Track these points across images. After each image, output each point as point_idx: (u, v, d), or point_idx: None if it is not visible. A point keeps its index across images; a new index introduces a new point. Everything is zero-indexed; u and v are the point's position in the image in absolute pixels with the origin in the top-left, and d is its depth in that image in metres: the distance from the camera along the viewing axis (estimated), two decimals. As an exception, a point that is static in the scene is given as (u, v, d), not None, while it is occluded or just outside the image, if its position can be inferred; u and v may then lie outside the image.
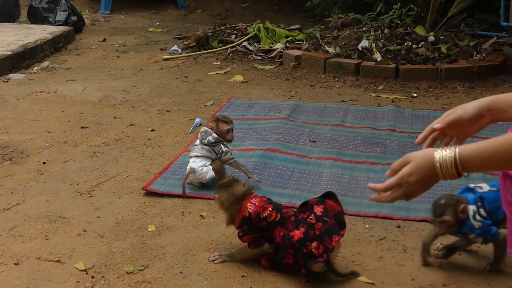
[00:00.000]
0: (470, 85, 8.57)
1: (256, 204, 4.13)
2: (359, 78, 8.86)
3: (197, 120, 6.89)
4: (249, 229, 4.10)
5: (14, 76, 9.13)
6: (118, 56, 10.45)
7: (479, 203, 3.96)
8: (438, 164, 2.61)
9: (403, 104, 7.72)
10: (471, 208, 3.95)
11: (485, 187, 4.03)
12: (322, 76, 8.99)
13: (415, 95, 8.18)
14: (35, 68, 9.63)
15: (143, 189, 5.25)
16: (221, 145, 5.28)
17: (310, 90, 8.33)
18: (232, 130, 5.28)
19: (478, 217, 3.94)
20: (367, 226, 4.75)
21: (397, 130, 6.71)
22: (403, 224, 4.81)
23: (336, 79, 8.82)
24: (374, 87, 8.47)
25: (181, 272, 4.14)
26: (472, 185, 4.10)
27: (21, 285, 4.00)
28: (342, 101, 7.80)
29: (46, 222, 4.77)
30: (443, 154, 2.59)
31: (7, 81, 8.79)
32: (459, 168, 2.56)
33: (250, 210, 4.09)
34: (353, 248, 4.46)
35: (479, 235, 3.98)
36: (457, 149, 2.57)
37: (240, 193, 4.20)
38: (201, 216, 4.85)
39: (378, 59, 9.07)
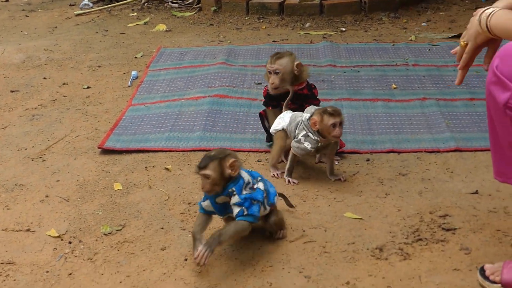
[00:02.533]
0: (394, 15, 8.60)
1: None
2: (284, 17, 8.76)
3: (133, 73, 6.66)
4: None
5: None
6: (26, 16, 10.00)
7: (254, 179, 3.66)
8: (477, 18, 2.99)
9: (334, 39, 7.68)
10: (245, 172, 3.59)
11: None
12: (246, 18, 8.83)
13: (343, 29, 8.14)
14: None
15: (98, 147, 5.03)
16: (307, 140, 4.37)
17: (238, 34, 8.17)
18: (341, 124, 4.28)
19: (250, 184, 3.59)
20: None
21: (338, 65, 6.67)
22: (372, 157, 4.77)
23: (261, 20, 8.69)
24: (301, 25, 8.39)
25: (162, 228, 3.99)
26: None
27: (-5, 259, 3.75)
28: (274, 41, 7.69)
29: (3, 192, 4.51)
30: (484, 11, 2.96)
31: None
32: (488, 27, 2.94)
33: None
34: (329, 185, 4.40)
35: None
36: (493, 10, 2.93)
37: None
38: (167, 169, 4.69)
39: (301, -3, 8.97)
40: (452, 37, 7.54)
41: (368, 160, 4.72)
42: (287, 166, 4.46)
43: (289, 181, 4.40)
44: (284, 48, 7.12)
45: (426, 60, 6.67)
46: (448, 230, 3.80)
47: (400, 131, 5.08)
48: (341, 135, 4.30)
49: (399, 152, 4.81)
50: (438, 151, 4.78)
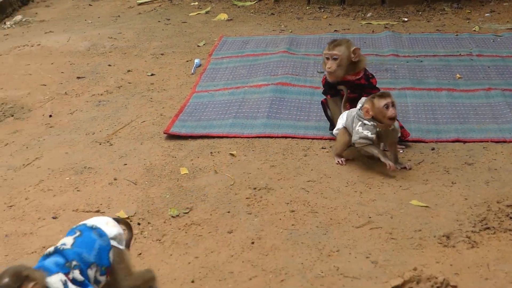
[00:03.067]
0: (457, 5, 8.51)
1: None
2: (345, 7, 8.74)
3: (196, 60, 6.72)
4: None
5: (-12, 32, 8.78)
6: (90, 5, 10.14)
7: (68, 264, 2.82)
8: None
9: (397, 29, 7.63)
10: (58, 279, 2.74)
11: (69, 241, 2.92)
12: (307, 8, 8.84)
13: (405, 19, 8.09)
14: (7, 23, 9.28)
15: (164, 133, 5.10)
16: (365, 128, 4.37)
17: (299, 23, 8.18)
18: (393, 105, 4.27)
19: (71, 286, 2.77)
20: (401, 151, 4.67)
21: (401, 55, 6.64)
22: (437, 146, 4.75)
23: (322, 10, 8.68)
24: (363, 15, 8.36)
25: (229, 212, 4.04)
26: (51, 249, 2.89)
27: (66, 239, 3.83)
28: (335, 31, 7.68)
29: (73, 174, 4.61)
30: None
31: (-18, 38, 8.45)
32: None
33: None
34: (395, 173, 4.38)
35: None
36: None
37: None
38: (232, 154, 4.74)
39: (363, -13, 8.93)
40: (517, 27, 7.44)
41: (433, 149, 4.70)
42: (379, 157, 4.42)
43: (389, 164, 4.37)
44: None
45: (491, 51, 6.60)
46: (516, 219, 3.77)
47: (466, 121, 5.05)
48: (395, 115, 4.27)
49: (464, 142, 4.78)
50: (505, 141, 4.75)
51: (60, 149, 4.99)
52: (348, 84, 4.71)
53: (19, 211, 4.16)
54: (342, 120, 4.55)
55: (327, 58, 4.67)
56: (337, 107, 4.78)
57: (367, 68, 4.81)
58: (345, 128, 4.47)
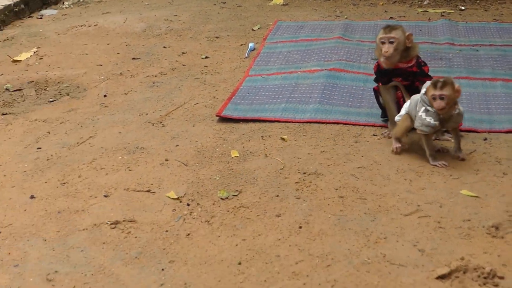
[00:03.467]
0: (517, -5, 8.36)
1: None
2: (402, -6, 8.64)
3: (251, 44, 6.75)
4: None
5: (46, 12, 8.95)
6: (147, -13, 10.19)
7: None
8: None
9: (453, 17, 7.55)
10: None
11: None
12: (364, -6, 8.77)
13: (462, 8, 8.00)
14: (66, 3, 9.44)
15: (216, 115, 5.14)
16: (428, 115, 4.32)
17: (355, 9, 8.14)
18: (442, 98, 4.19)
19: None
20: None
21: (456, 43, 6.57)
22: (489, 136, 4.70)
23: (379, -4, 8.61)
24: (419, 2, 8.29)
25: (277, 195, 4.06)
26: None
27: (117, 216, 3.92)
28: (391, 17, 7.63)
29: (125, 154, 4.67)
30: None
31: (41, 17, 8.62)
32: None
33: None
34: (445, 162, 4.35)
35: None
36: None
37: None
38: (283, 139, 4.76)
39: (420, -26, 8.85)
40: None
41: (485, 139, 4.66)
42: (427, 153, 4.40)
43: (437, 165, 4.35)
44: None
45: None
46: None
47: (520, 112, 4.98)
48: (442, 109, 4.20)
49: (518, 133, 4.72)
50: (559, 133, 4.67)
51: (114, 129, 5.07)
52: (400, 72, 4.66)
53: (72, 188, 4.24)
54: (405, 107, 4.50)
55: (383, 42, 4.60)
56: (389, 95, 4.75)
57: (419, 56, 4.73)
58: (408, 114, 4.43)
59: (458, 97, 4.20)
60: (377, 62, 4.76)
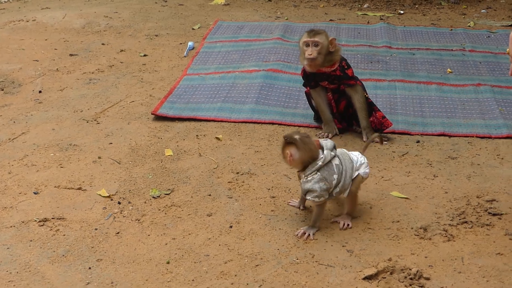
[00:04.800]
0: (454, 0, 8.49)
1: None
2: (343, -4, 8.71)
3: (190, 43, 6.72)
4: None
5: (-16, 6, 8.76)
6: (88, -17, 10.07)
7: None
8: None
9: (392, 21, 7.64)
10: None
11: None
12: (305, -4, 8.82)
13: (401, 12, 8.10)
14: (4, -3, 9.26)
15: (152, 114, 5.11)
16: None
17: (295, 11, 8.18)
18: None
19: None
20: (385, 142, 4.68)
21: (394, 47, 6.65)
22: (422, 139, 4.76)
23: (320, -1, 8.66)
24: (359, 6, 8.36)
25: (210, 195, 4.05)
26: None
27: (46, 213, 3.87)
28: (331, 20, 7.68)
29: (57, 151, 4.61)
30: None
31: (-22, 11, 8.44)
32: None
33: None
34: (378, 164, 4.41)
35: None
36: None
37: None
38: (217, 138, 4.75)
39: (361, -23, 8.94)
40: (511, 25, 7.44)
41: (418, 141, 4.72)
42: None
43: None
44: (341, 28, 7.12)
45: (484, 47, 6.61)
46: (494, 215, 3.79)
47: (453, 115, 5.07)
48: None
49: (450, 136, 4.80)
50: (490, 137, 4.76)
51: (47, 125, 5.00)
52: (325, 76, 4.72)
53: (1, 185, 4.17)
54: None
55: (307, 45, 4.61)
56: (319, 98, 4.82)
57: (344, 58, 4.80)
58: None
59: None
60: (303, 67, 4.78)
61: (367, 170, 3.75)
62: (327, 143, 3.64)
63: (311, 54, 4.58)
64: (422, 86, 5.59)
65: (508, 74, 3.38)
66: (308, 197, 3.61)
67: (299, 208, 3.90)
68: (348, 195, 3.70)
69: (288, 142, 3.57)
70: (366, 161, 3.76)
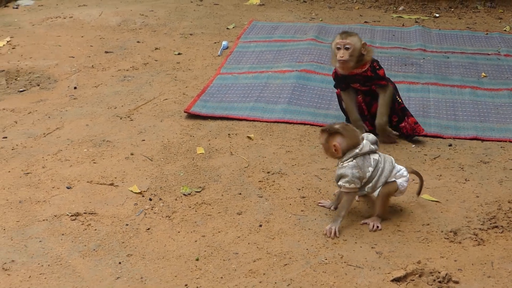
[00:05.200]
0: (490, 4, 8.45)
1: None
2: (378, -1, 8.69)
3: (224, 42, 6.75)
4: None
5: (23, 2, 8.89)
6: (125, -19, 10.16)
7: None
8: None
9: (427, 24, 7.60)
10: None
11: None
12: (340, -3, 8.81)
13: (437, 15, 8.05)
14: (42, -6, 9.37)
15: (185, 112, 5.14)
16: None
17: (330, 12, 8.17)
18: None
19: None
20: (413, 146, 4.68)
21: (428, 50, 6.62)
22: (454, 142, 4.74)
23: (355, 1, 8.68)
24: (395, 8, 8.33)
25: (240, 193, 4.07)
26: None
27: (78, 208, 3.91)
28: (365, 22, 7.67)
29: (91, 146, 4.66)
30: None
31: (17, 8, 8.56)
32: None
33: None
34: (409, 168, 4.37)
35: None
36: None
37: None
38: (249, 137, 4.77)
39: (397, -20, 8.91)
40: (549, 30, 7.38)
41: (450, 145, 4.70)
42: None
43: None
44: (375, 30, 7.11)
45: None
46: (525, 220, 3.76)
47: (486, 119, 5.04)
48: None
49: (482, 140, 4.78)
50: (523, 142, 4.72)
51: (81, 121, 5.06)
52: (357, 78, 4.70)
53: (35, 179, 4.22)
54: None
55: (338, 48, 4.59)
56: (350, 100, 4.80)
57: (375, 60, 4.78)
58: None
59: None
60: (335, 69, 4.77)
61: (405, 184, 3.75)
62: (368, 135, 3.72)
63: (342, 56, 4.56)
64: (455, 89, 5.57)
65: None
66: (340, 183, 3.65)
67: (329, 208, 3.90)
68: (378, 195, 3.69)
69: (332, 132, 3.63)
70: (408, 175, 3.77)
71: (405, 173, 3.76)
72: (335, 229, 3.64)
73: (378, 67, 4.72)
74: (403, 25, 7.51)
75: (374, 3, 8.48)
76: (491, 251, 3.48)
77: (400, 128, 4.80)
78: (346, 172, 3.62)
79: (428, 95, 5.44)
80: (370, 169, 3.65)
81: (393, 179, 3.71)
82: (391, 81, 4.81)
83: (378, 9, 8.28)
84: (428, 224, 3.72)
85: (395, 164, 3.77)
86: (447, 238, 3.59)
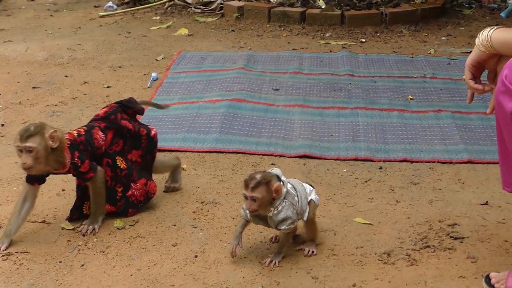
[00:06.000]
0: (415, 28, 8.65)
1: None
2: (305, 26, 8.83)
3: (153, 74, 6.76)
4: None
5: None
6: (51, 15, 10.13)
7: None
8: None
9: (354, 49, 7.73)
10: None
11: None
12: (268, 26, 8.91)
13: (363, 40, 8.20)
14: (-33, 31, 9.23)
15: (115, 145, 5.08)
16: None
17: (259, 40, 8.25)
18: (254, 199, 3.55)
19: None
20: (345, 170, 4.75)
21: (356, 74, 6.74)
22: (384, 165, 4.82)
23: (282, 28, 8.76)
24: (322, 35, 8.45)
25: (174, 225, 4.07)
26: None
27: (10, 248, 3.86)
28: (294, 49, 7.75)
29: (21, 184, 4.57)
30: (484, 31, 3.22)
31: None
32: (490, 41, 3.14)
33: None
34: (341, 191, 4.46)
35: None
36: (492, 27, 3.19)
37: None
38: (182, 169, 4.74)
39: (323, 6, 9.06)
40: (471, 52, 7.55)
41: (380, 168, 4.78)
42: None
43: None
44: (303, 57, 7.19)
45: (444, 73, 6.72)
46: (456, 238, 3.85)
47: (414, 141, 5.14)
48: (253, 211, 3.57)
49: (412, 162, 4.87)
50: (451, 162, 4.83)
51: (10, 159, 4.98)
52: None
53: (-37, 220, 4.13)
54: None
55: (20, 151, 3.74)
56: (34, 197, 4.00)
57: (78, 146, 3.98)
58: None
59: (276, 197, 3.56)
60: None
61: (317, 197, 3.80)
62: (277, 170, 3.61)
63: (24, 163, 3.72)
64: (384, 113, 5.67)
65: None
66: (282, 227, 3.56)
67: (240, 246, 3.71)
68: (307, 220, 3.71)
69: (267, 180, 3.50)
70: (313, 188, 3.81)
71: (309, 186, 3.79)
72: (275, 262, 3.64)
73: (79, 161, 3.90)
74: (330, 51, 7.63)
75: (302, 30, 8.59)
76: (424, 270, 3.55)
77: (128, 197, 4.17)
78: (287, 214, 3.54)
79: (358, 119, 5.52)
80: (296, 199, 3.63)
81: (309, 198, 3.71)
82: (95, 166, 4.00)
83: (306, 35, 8.39)
84: (361, 247, 3.77)
85: (297, 181, 3.77)
86: (381, 260, 3.65)
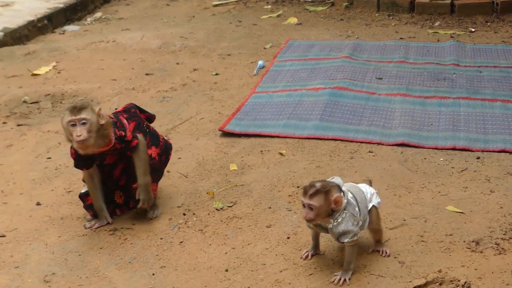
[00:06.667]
0: (528, 17, 8.47)
1: None
2: (414, 15, 8.81)
3: (260, 62, 6.94)
4: None
5: (69, 28, 9.21)
6: (167, 5, 10.46)
7: None
8: None
9: (462, 39, 7.68)
10: None
11: None
12: (376, 15, 8.94)
13: (473, 29, 8.12)
14: (88, 19, 9.69)
15: (219, 130, 5.33)
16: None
17: (367, 29, 8.30)
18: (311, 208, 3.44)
19: None
20: (442, 159, 4.79)
21: (461, 64, 6.71)
22: (482, 155, 4.84)
23: (391, 17, 8.77)
24: (431, 24, 8.42)
25: (270, 207, 4.23)
26: None
27: (117, 223, 4.10)
28: (401, 38, 7.77)
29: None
30: None
31: (63, 33, 8.88)
32: None
33: None
34: (436, 179, 4.51)
35: None
36: None
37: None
38: (281, 154, 4.93)
39: (433, -5, 9.01)
40: None
41: (478, 158, 4.80)
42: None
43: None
44: (409, 46, 7.22)
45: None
46: (547, 229, 3.85)
47: (515, 132, 5.12)
48: (310, 220, 3.48)
49: (510, 152, 4.86)
50: (551, 154, 4.79)
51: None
52: (105, 154, 4.08)
53: (76, 197, 4.42)
54: None
55: (73, 125, 3.77)
56: (93, 183, 4.13)
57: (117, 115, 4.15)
58: None
59: (336, 208, 3.43)
60: (72, 148, 3.97)
61: (379, 200, 3.70)
62: (338, 179, 3.48)
63: (79, 135, 3.75)
64: (486, 103, 5.66)
65: None
66: (345, 240, 3.43)
67: (313, 254, 3.75)
68: (370, 226, 3.64)
69: (327, 189, 3.39)
70: (374, 191, 3.72)
71: (371, 189, 3.70)
72: (345, 279, 3.50)
73: (123, 135, 3.98)
74: (438, 40, 7.61)
75: (410, 20, 8.58)
76: (511, 259, 3.57)
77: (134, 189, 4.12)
78: (347, 227, 3.40)
79: (459, 109, 5.54)
80: (357, 209, 3.49)
81: (370, 205, 3.62)
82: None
83: (414, 25, 8.38)
84: (451, 235, 3.84)
85: (359, 186, 3.69)
86: (469, 248, 3.70)
